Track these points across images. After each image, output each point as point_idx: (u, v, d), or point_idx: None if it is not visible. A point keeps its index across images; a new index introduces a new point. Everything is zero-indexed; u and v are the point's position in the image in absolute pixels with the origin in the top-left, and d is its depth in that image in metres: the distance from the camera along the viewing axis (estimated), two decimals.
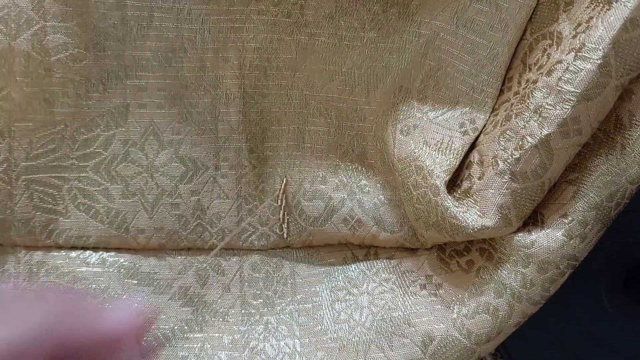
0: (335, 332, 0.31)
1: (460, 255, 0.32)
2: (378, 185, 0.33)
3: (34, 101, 0.28)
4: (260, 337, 0.31)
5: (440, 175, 0.29)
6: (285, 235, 0.33)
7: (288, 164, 0.32)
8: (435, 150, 0.30)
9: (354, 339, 0.31)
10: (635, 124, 0.27)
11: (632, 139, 0.27)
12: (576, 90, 0.26)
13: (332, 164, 0.33)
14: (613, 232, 0.29)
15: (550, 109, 0.27)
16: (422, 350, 0.30)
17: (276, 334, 0.31)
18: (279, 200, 0.32)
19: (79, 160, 0.30)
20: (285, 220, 0.32)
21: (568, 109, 0.26)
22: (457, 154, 0.30)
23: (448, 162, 0.30)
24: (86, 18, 0.28)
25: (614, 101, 0.27)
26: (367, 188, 0.33)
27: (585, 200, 0.28)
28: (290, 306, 0.32)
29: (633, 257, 0.32)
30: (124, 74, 0.29)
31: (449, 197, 0.29)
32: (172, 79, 0.30)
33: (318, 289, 0.33)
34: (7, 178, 0.29)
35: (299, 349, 0.31)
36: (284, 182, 0.32)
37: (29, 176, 0.29)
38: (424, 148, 0.30)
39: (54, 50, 0.28)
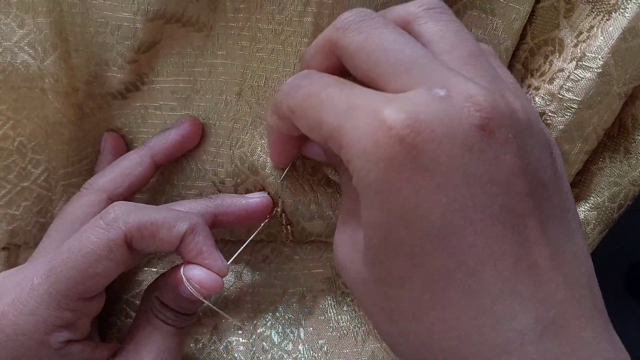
0: (337, 322, 0.33)
1: None
2: None
3: (65, 117, 0.30)
4: (268, 324, 0.33)
5: None
6: (292, 246, 0.33)
7: (280, 183, 0.31)
8: None
9: (354, 329, 0.32)
10: (639, 128, 0.28)
11: (635, 142, 0.28)
12: (577, 98, 0.26)
13: (323, 179, 0.31)
14: (614, 232, 0.29)
15: (552, 116, 0.27)
16: None
17: (283, 321, 0.33)
18: (283, 220, 0.32)
19: None
20: (289, 238, 0.33)
21: (570, 116, 0.27)
22: None
23: None
24: (104, 39, 0.29)
25: (619, 109, 0.27)
26: None
27: (588, 200, 0.29)
28: (298, 296, 0.33)
29: (633, 257, 0.33)
30: (140, 81, 0.31)
31: None
32: (185, 83, 0.31)
33: (325, 280, 0.34)
34: (47, 185, 0.31)
35: (302, 337, 0.32)
36: (280, 205, 0.31)
37: (66, 181, 0.31)
38: None
39: (77, 69, 0.29)
